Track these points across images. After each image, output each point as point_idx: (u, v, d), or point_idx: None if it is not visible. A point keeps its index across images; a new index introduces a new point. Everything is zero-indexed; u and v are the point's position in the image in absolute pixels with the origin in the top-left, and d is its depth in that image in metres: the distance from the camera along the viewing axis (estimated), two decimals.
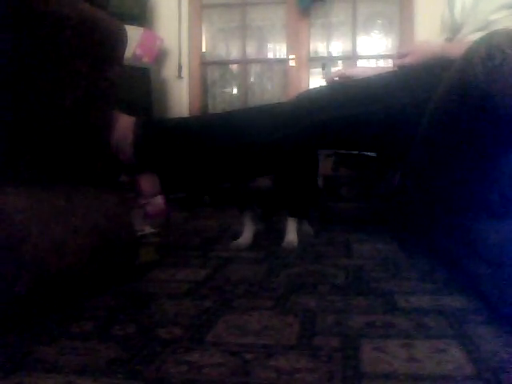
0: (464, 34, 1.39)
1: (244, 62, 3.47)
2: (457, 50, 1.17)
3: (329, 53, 3.34)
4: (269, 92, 3.48)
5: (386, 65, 3.10)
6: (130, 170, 1.27)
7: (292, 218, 1.58)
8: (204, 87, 3.47)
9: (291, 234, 1.56)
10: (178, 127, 1.34)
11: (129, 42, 1.18)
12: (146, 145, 1.25)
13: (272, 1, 3.43)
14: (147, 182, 1.28)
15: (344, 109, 1.24)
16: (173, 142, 1.28)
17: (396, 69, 1.35)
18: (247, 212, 1.58)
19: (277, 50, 3.47)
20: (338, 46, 3.36)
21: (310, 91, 1.47)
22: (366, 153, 2.05)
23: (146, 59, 2.97)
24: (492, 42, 0.84)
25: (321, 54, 3.35)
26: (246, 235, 1.56)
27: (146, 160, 1.26)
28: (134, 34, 2.71)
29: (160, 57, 3.17)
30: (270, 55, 3.50)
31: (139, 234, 1.30)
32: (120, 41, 1.14)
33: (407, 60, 1.31)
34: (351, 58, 3.31)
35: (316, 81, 3.24)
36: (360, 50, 3.28)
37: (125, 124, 1.24)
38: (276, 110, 1.33)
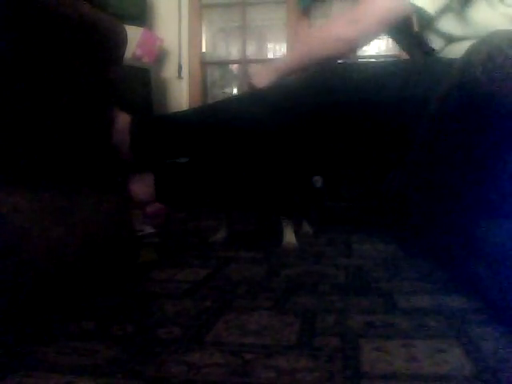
0: None
1: (244, 62, 3.47)
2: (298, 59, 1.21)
3: None
4: None
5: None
6: (127, 170, 1.26)
7: (284, 218, 1.58)
8: (204, 87, 3.47)
9: (289, 235, 1.56)
10: (173, 122, 1.33)
11: (129, 42, 1.18)
12: (143, 144, 1.25)
13: (272, 1, 3.43)
14: (139, 188, 1.27)
15: (342, 93, 1.22)
16: (169, 138, 1.27)
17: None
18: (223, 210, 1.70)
19: (277, 50, 3.48)
20: None
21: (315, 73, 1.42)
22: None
23: (145, 59, 2.97)
24: (493, 43, 0.84)
25: None
26: (223, 231, 1.68)
27: (144, 160, 1.26)
28: (133, 34, 2.72)
29: (160, 57, 3.17)
30: (270, 55, 3.50)
31: (139, 233, 1.30)
32: (120, 41, 1.14)
33: (254, 83, 1.29)
34: (351, 58, 3.30)
35: None
36: (360, 50, 3.28)
37: (122, 124, 1.23)
38: (272, 92, 1.31)
